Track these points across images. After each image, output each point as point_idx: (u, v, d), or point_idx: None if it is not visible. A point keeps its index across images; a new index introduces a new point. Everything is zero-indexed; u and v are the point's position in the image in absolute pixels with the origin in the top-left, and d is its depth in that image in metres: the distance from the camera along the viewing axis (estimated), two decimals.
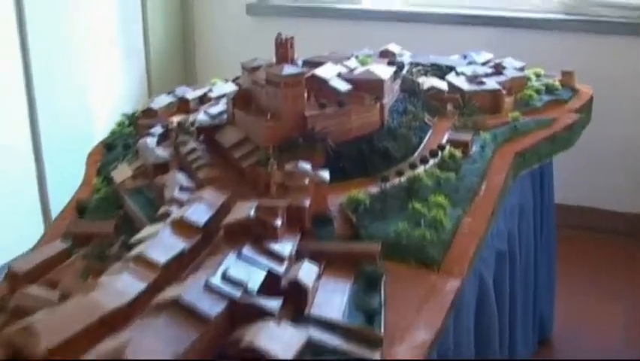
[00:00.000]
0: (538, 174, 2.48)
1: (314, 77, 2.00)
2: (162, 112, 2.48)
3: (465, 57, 2.81)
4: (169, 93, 2.64)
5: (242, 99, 2.01)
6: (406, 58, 2.70)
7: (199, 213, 1.58)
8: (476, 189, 1.91)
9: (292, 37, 2.08)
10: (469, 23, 3.58)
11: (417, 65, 2.70)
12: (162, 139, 2.22)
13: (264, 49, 3.72)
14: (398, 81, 2.28)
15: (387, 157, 1.93)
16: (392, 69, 2.20)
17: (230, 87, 2.51)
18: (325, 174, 1.71)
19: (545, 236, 2.65)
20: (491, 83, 2.44)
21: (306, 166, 1.71)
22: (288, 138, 1.85)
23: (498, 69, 2.58)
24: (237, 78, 2.52)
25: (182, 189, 1.77)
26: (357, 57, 2.48)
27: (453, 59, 2.75)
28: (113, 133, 2.50)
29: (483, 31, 3.56)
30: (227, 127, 2.03)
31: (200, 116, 2.14)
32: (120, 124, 2.56)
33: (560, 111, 2.52)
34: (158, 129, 2.28)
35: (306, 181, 1.68)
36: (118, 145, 2.36)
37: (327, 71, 2.05)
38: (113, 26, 3.89)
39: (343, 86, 1.99)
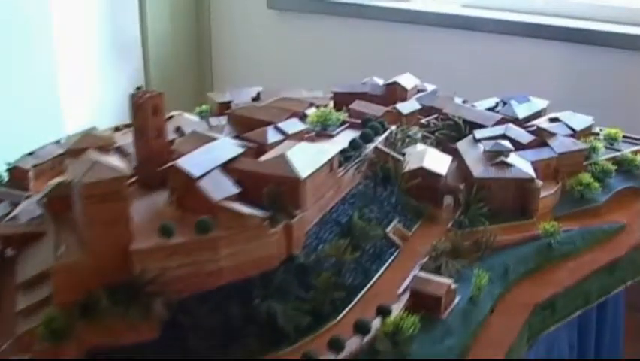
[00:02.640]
0: (593, 312, 1.56)
1: (176, 171, 1.17)
2: (43, 171, 1.72)
3: (504, 104, 1.88)
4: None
5: (60, 201, 1.21)
6: (412, 104, 1.82)
7: None
8: None
9: (160, 95, 1.26)
10: (541, 36, 2.60)
11: (429, 111, 1.82)
12: None
13: (287, 48, 2.97)
14: (356, 164, 1.40)
15: (274, 333, 1.08)
16: (336, 148, 1.33)
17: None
18: None
19: None
20: (522, 164, 1.52)
21: None
22: (93, 294, 1.05)
23: (541, 137, 1.64)
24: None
25: None
26: (317, 107, 1.63)
27: (482, 111, 1.82)
28: None
29: (557, 48, 2.57)
30: (44, 241, 1.24)
31: (22, 208, 1.34)
32: None
33: (635, 211, 1.58)
34: (2, 209, 1.53)
35: None
36: None
37: (206, 158, 1.21)
38: (98, 14, 3.13)
39: (221, 190, 1.15)
